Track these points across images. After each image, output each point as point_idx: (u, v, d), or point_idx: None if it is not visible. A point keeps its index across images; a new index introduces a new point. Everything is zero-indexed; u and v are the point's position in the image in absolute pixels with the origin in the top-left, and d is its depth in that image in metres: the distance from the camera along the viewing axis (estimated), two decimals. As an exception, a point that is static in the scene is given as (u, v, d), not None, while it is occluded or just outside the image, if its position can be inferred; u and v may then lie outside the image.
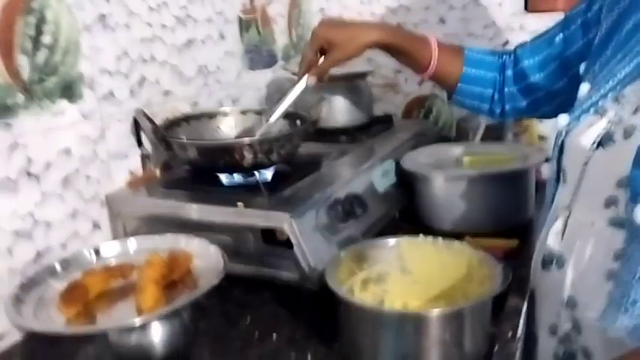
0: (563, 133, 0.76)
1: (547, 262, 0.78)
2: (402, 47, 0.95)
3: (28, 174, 0.86)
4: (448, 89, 1.01)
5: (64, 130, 0.91)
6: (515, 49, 0.99)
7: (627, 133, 0.66)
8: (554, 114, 0.84)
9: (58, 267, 0.83)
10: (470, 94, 0.99)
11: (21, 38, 0.83)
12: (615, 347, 0.62)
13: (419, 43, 0.96)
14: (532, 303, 0.85)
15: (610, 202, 0.67)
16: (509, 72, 0.97)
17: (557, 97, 0.93)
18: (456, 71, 0.97)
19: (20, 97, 0.83)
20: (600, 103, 0.72)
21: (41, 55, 0.85)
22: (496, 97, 0.99)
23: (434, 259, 0.80)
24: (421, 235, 0.82)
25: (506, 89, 0.98)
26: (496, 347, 0.72)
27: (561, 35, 0.91)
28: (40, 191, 0.88)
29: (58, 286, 0.79)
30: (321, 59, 0.94)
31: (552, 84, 0.93)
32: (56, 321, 0.73)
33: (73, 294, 0.74)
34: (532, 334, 0.84)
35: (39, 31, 0.85)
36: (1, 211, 0.82)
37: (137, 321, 0.70)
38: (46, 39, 0.86)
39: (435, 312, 0.66)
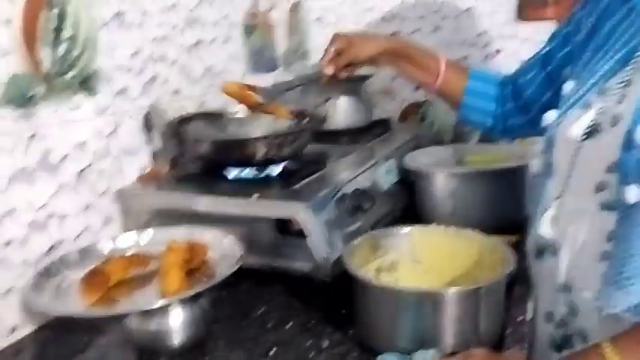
0: (553, 128, 0.81)
1: (540, 252, 0.81)
2: (412, 56, 1.02)
3: (46, 165, 0.87)
4: (453, 104, 1.07)
5: (80, 124, 0.93)
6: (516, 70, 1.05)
7: (613, 122, 0.71)
8: None
9: (73, 258, 0.85)
10: (474, 109, 1.04)
11: (43, 31, 0.85)
12: (610, 325, 0.65)
13: (428, 55, 1.03)
14: None
15: (600, 188, 0.71)
16: (508, 89, 1.04)
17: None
18: (460, 86, 1.03)
19: (41, 89, 0.85)
20: (585, 97, 0.77)
21: (61, 49, 0.87)
22: (499, 112, 1.04)
23: (444, 247, 0.83)
24: (433, 224, 0.85)
25: (506, 105, 1.04)
26: (508, 330, 0.74)
27: (547, 50, 0.97)
28: (57, 183, 0.89)
29: (75, 276, 0.80)
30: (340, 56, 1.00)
31: (541, 96, 0.99)
32: (77, 307, 0.74)
33: (94, 280, 0.76)
34: (530, 323, 0.87)
35: (60, 25, 0.87)
36: (18, 202, 0.83)
37: (159, 303, 0.72)
38: (66, 33, 0.88)
39: (453, 290, 0.69)
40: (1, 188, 0.80)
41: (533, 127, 1.01)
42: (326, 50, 1.02)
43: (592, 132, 0.73)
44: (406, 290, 0.70)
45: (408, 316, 0.69)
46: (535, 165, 0.88)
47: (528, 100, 1.00)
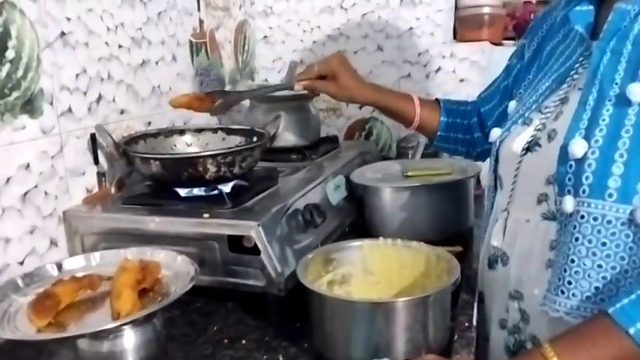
0: (497, 144, 0.86)
1: (492, 262, 0.86)
2: (390, 108, 1.12)
3: (-11, 188, 0.85)
4: (430, 137, 1.15)
5: (24, 145, 0.91)
6: (478, 97, 1.12)
7: (550, 137, 0.76)
8: None
9: (20, 282, 0.82)
10: (448, 140, 1.13)
11: (-16, 52, 0.83)
12: (560, 331, 0.68)
13: (404, 101, 1.12)
14: (481, 303, 0.93)
15: (541, 199, 0.77)
16: (474, 119, 1.10)
17: None
18: (435, 121, 1.12)
19: (-17, 111, 0.83)
20: (526, 114, 0.83)
21: (4, 70, 0.86)
22: (469, 140, 1.11)
23: (394, 259, 0.86)
24: (381, 238, 0.88)
25: (475, 134, 1.10)
26: (456, 336, 0.78)
27: (505, 83, 1.03)
28: (0, 207, 0.86)
29: (22, 300, 0.78)
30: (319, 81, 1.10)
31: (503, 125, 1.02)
32: (26, 332, 0.72)
33: (44, 303, 0.74)
34: (483, 332, 0.91)
35: (3, 46, 0.85)
36: (-40, 227, 0.81)
37: (112, 324, 0.71)
38: (9, 54, 0.86)
39: (403, 300, 0.71)
40: (-59, 213, 0.78)
41: None
42: (309, 67, 1.12)
43: (531, 147, 0.79)
44: (359, 301, 0.72)
45: (362, 326, 0.71)
46: (486, 179, 0.93)
47: (492, 128, 1.02)
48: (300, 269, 0.79)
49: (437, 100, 1.14)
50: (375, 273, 0.87)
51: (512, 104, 0.90)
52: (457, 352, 0.74)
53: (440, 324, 0.75)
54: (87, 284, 0.80)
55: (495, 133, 0.87)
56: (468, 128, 1.11)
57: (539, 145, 0.78)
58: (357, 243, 0.88)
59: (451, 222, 1.17)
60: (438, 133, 1.12)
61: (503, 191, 0.85)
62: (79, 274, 0.83)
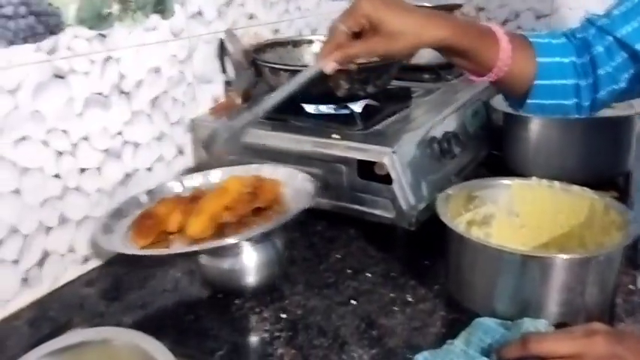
0: None
1: None
2: (467, 49, 0.67)
3: (120, 91, 0.82)
4: (516, 96, 0.73)
5: (155, 48, 0.87)
6: (590, 22, 0.71)
7: None
8: None
9: (143, 198, 0.82)
10: (551, 92, 0.71)
11: (117, -56, 0.78)
12: None
13: (486, 41, 0.68)
14: None
15: None
16: (598, 49, 0.69)
17: None
18: (528, 69, 0.70)
19: (115, 7, 0.79)
20: None
21: (136, -36, 0.81)
22: (582, 85, 0.71)
23: (547, 203, 0.75)
24: (534, 178, 0.76)
25: (599, 71, 0.70)
26: (618, 299, 0.67)
27: None
28: (131, 110, 0.85)
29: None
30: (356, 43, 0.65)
31: None
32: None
33: (145, 223, 0.72)
34: None
35: (136, -62, 0.80)
36: (93, 128, 0.79)
37: (227, 241, 0.68)
38: (142, -53, 0.81)
39: (566, 257, 0.61)
40: (77, 112, 0.77)
41: (633, 89, 0.71)
42: (332, 30, 0.66)
43: None
44: (510, 251, 0.62)
45: (510, 279, 0.62)
46: None
47: None
48: (440, 205, 0.70)
49: (523, 35, 0.72)
50: (521, 216, 0.77)
51: None
52: (620, 319, 0.64)
53: (603, 286, 0.64)
54: (188, 202, 0.77)
55: None
56: (577, 68, 0.71)
57: None
58: (505, 181, 0.77)
59: (606, 163, 1.02)
60: (536, 82, 0.69)
61: None
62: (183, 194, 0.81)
